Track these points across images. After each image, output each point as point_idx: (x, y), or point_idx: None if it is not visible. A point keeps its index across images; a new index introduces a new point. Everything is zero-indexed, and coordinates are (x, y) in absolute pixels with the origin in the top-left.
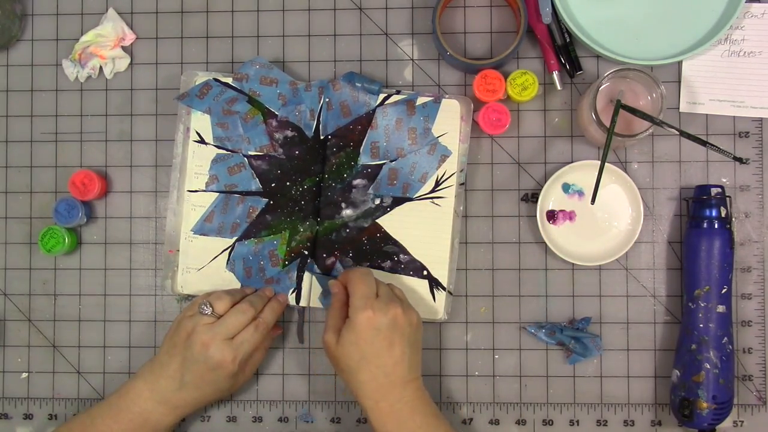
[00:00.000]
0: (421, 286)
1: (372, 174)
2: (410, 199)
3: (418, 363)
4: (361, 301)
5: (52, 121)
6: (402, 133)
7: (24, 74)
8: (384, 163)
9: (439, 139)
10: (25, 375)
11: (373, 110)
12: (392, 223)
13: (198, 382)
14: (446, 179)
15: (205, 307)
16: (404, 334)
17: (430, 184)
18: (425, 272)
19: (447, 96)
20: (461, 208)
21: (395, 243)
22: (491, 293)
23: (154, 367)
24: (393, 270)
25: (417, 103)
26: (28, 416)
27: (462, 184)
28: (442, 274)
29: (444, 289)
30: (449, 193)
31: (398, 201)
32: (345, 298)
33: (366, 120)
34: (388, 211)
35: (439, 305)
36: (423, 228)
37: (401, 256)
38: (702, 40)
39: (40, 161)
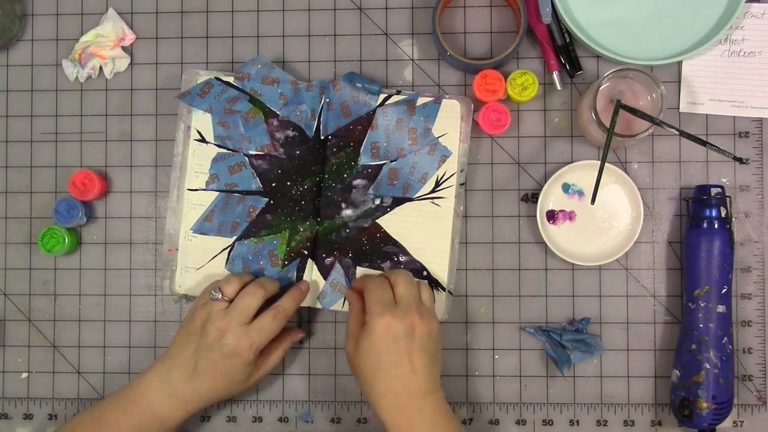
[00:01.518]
0: None
1: (372, 174)
2: (410, 200)
3: (437, 374)
4: (377, 306)
5: (52, 121)
6: (402, 133)
7: (24, 74)
8: (384, 164)
9: (440, 140)
10: (25, 375)
11: (374, 110)
12: (392, 223)
13: (211, 372)
14: (446, 179)
15: (215, 293)
16: (423, 344)
17: (430, 184)
18: (425, 273)
19: (447, 96)
20: (461, 208)
21: (395, 243)
22: (491, 293)
23: (166, 359)
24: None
25: (417, 104)
26: (28, 416)
27: (462, 184)
28: (441, 275)
29: (444, 289)
30: (449, 194)
31: (398, 201)
32: (362, 305)
33: (366, 120)
34: (388, 212)
35: (438, 305)
36: (423, 228)
37: (401, 256)
38: (702, 40)
39: (40, 161)
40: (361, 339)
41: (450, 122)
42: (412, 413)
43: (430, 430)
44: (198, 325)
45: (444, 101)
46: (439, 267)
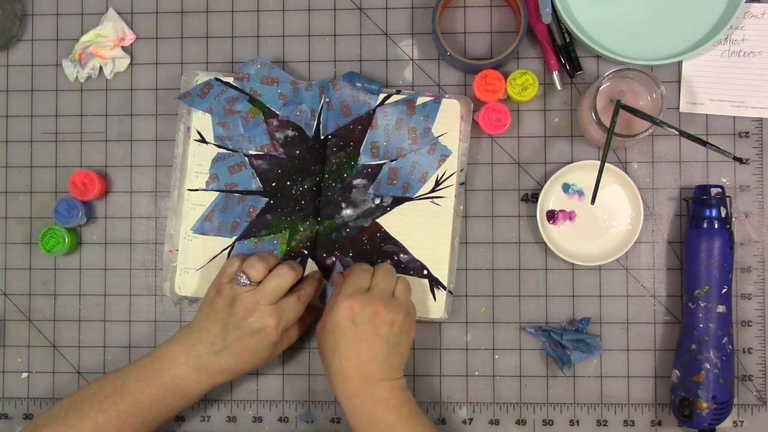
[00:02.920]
0: (421, 285)
1: (372, 174)
2: (410, 199)
3: (397, 365)
4: (349, 288)
5: (52, 121)
6: (402, 132)
7: (24, 74)
8: (384, 163)
9: (439, 139)
10: (25, 375)
11: (373, 110)
12: (392, 222)
13: (238, 349)
14: (446, 179)
15: (240, 278)
16: (382, 332)
17: (430, 183)
18: (425, 272)
19: (447, 96)
20: (461, 207)
21: (395, 242)
22: (491, 293)
23: (191, 333)
24: None
25: (417, 103)
26: (28, 416)
27: (462, 183)
28: (442, 274)
29: (444, 288)
30: (449, 193)
31: (398, 201)
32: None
33: (366, 120)
34: (388, 211)
35: (439, 304)
36: (423, 227)
37: (401, 255)
38: (702, 40)
39: (40, 161)
40: (326, 318)
41: (450, 121)
42: (366, 397)
43: (384, 414)
44: (225, 302)
45: (444, 101)
46: (440, 266)
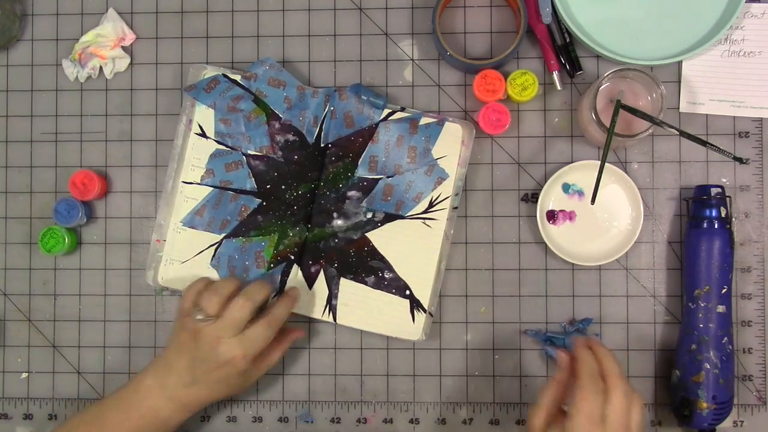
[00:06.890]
0: (401, 305)
1: (367, 187)
2: (402, 217)
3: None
4: (584, 426)
5: (52, 121)
6: (402, 150)
7: (24, 74)
8: (380, 178)
9: (438, 161)
10: (25, 375)
11: (376, 124)
12: (381, 238)
13: (208, 381)
14: (440, 201)
15: (198, 314)
16: None
17: (423, 204)
18: (408, 292)
19: (450, 119)
20: (452, 232)
21: (381, 259)
22: (491, 293)
23: (162, 365)
24: (376, 286)
25: (420, 123)
26: (28, 416)
27: (455, 208)
28: (424, 296)
29: (425, 311)
30: (441, 216)
31: (390, 217)
32: (566, 379)
33: (368, 133)
34: (379, 226)
35: (417, 326)
36: (411, 247)
37: (386, 272)
38: (702, 40)
39: (40, 161)
40: None
41: (450, 145)
42: None
43: None
44: (188, 336)
45: (447, 124)
46: (423, 288)
